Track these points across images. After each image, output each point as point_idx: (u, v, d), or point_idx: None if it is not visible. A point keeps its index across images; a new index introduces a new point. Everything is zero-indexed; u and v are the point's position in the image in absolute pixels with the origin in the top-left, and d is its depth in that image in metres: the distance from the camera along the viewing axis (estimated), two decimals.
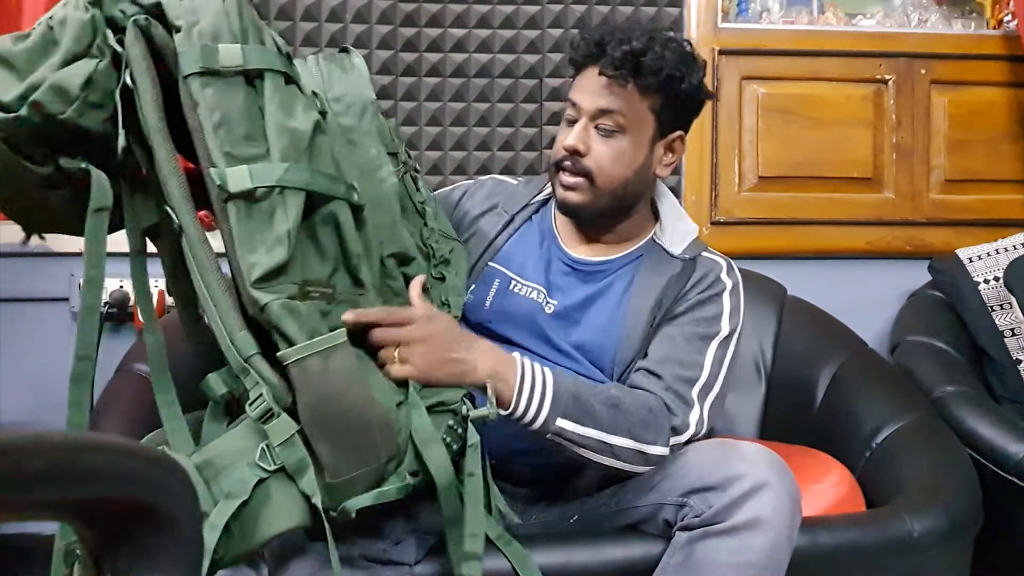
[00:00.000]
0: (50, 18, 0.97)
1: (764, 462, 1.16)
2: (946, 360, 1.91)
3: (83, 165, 0.96)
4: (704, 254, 1.41)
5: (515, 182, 1.52)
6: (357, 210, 1.07)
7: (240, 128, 0.98)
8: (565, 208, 1.38)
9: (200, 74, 0.97)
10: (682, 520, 1.17)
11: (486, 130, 2.11)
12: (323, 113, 1.09)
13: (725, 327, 1.34)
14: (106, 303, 1.96)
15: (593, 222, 1.40)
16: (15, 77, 0.95)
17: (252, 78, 1.00)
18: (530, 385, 1.18)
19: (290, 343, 0.96)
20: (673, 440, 1.24)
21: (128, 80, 0.97)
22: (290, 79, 1.03)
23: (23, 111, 0.93)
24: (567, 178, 1.34)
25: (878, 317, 2.15)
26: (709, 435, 1.30)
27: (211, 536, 0.91)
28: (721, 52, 2.16)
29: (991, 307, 2.01)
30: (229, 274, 0.99)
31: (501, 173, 2.10)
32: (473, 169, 2.10)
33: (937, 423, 1.67)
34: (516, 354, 1.22)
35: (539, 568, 1.20)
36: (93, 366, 1.00)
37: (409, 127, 2.08)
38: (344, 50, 1.26)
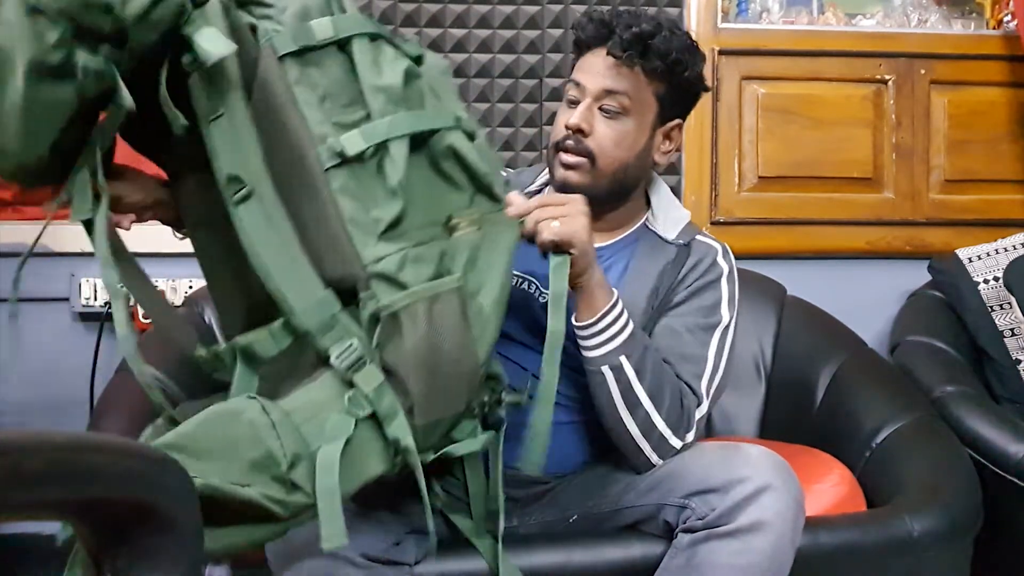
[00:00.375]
0: None
1: (767, 465, 1.16)
2: (946, 360, 1.91)
3: (103, 67, 0.93)
4: (698, 238, 1.41)
5: (505, 174, 1.52)
6: (471, 136, 1.10)
7: (342, 97, 1.02)
8: (565, 190, 1.35)
9: (298, 52, 1.00)
10: (684, 522, 1.17)
11: (486, 130, 2.11)
12: (418, 58, 1.10)
13: (725, 315, 1.34)
14: (106, 303, 1.96)
15: (590, 207, 1.39)
16: None
17: (342, 46, 1.04)
18: (618, 312, 1.23)
19: (403, 288, 1.00)
20: (686, 438, 1.25)
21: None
22: (376, 36, 1.06)
23: None
24: (568, 158, 1.33)
25: (878, 317, 2.15)
26: (708, 432, 1.30)
27: (331, 478, 0.93)
28: (721, 52, 2.16)
29: (991, 307, 2.01)
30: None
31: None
32: None
33: (937, 423, 1.66)
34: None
35: (539, 568, 1.20)
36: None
37: None
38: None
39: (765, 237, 2.18)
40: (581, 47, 1.36)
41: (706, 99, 2.10)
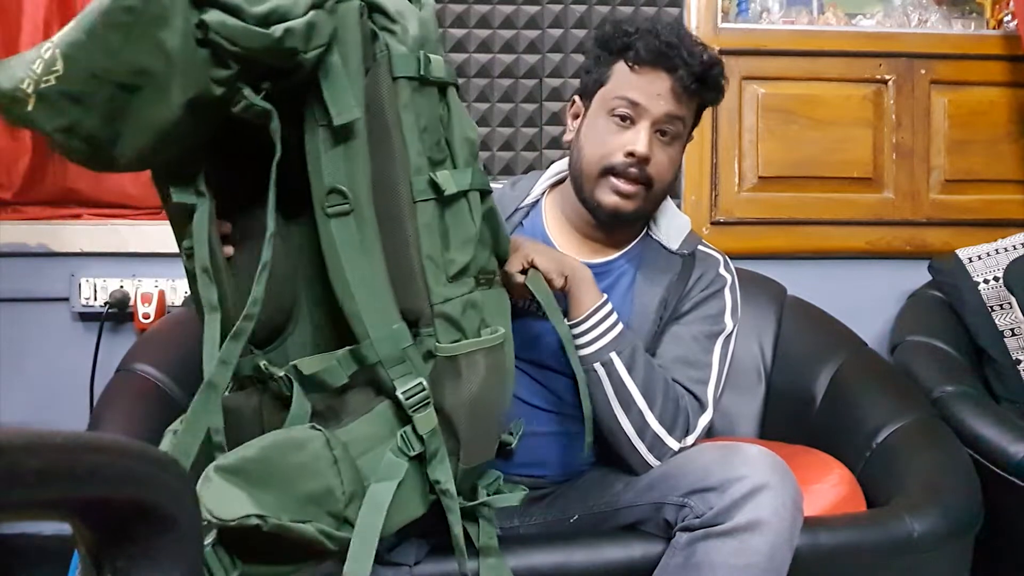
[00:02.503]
0: None
1: (765, 464, 1.16)
2: (946, 360, 1.91)
3: (268, 107, 0.91)
4: (700, 248, 1.43)
5: (499, 187, 1.51)
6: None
7: (435, 135, 1.03)
8: (616, 216, 1.34)
9: (412, 79, 1.00)
10: (683, 521, 1.17)
11: (486, 130, 2.11)
12: None
13: (728, 324, 1.36)
14: (106, 303, 1.96)
15: (620, 225, 1.40)
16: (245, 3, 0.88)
17: (441, 90, 1.04)
18: (607, 312, 1.27)
19: (463, 335, 1.02)
20: (684, 441, 1.26)
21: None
22: (458, 90, 1.08)
23: (278, 32, 0.86)
24: (626, 186, 1.31)
25: (878, 317, 2.15)
26: (709, 433, 1.31)
27: (377, 518, 0.93)
28: (721, 52, 2.12)
29: (991, 307, 2.01)
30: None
31: (501, 173, 2.10)
32: None
33: (937, 423, 1.66)
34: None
35: (539, 568, 1.20)
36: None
37: None
38: None
39: (765, 237, 2.18)
40: (634, 63, 1.30)
41: None
